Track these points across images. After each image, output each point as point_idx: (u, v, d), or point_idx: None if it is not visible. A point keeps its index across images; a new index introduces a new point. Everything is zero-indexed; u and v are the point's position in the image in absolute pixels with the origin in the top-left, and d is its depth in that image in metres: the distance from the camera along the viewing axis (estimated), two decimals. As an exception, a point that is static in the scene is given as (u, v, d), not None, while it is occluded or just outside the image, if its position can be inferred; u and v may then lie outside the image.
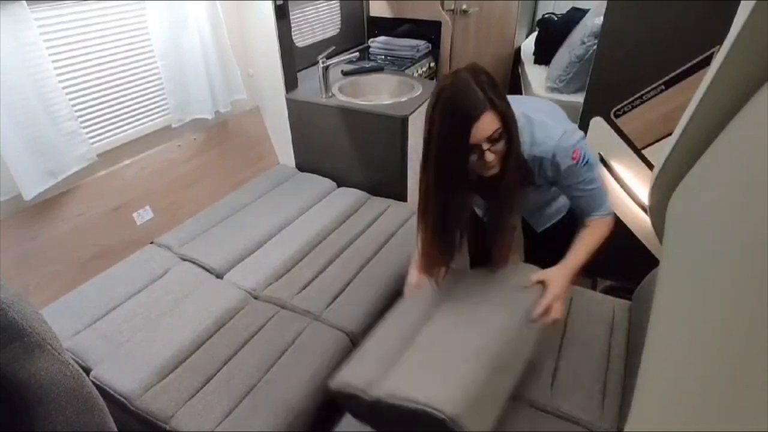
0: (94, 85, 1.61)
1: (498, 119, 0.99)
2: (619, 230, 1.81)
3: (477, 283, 1.25)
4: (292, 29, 2.12)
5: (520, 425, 1.15)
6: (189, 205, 1.94)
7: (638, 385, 0.50)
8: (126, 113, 1.73)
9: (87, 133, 1.58)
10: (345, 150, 2.14)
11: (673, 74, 1.64)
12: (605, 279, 2.03)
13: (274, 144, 2.35)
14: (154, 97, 1.82)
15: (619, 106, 1.77)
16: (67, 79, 1.52)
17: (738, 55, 0.38)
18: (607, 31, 1.69)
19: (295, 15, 2.21)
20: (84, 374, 0.71)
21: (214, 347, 1.36)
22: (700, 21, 1.52)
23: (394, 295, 1.58)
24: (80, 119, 1.56)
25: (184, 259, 1.69)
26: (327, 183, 2.17)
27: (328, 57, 2.07)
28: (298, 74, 2.22)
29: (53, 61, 1.43)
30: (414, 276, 1.29)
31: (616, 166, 1.83)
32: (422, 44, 2.66)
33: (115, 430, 0.78)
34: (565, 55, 2.75)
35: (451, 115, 1.00)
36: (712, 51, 1.55)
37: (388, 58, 2.69)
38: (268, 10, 1.95)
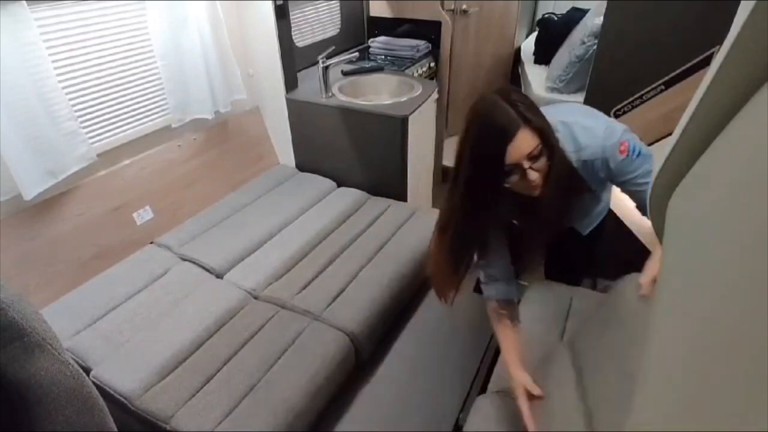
0: (94, 85, 1.60)
1: (535, 135, 0.94)
2: (620, 230, 1.81)
3: (611, 309, 1.04)
4: (292, 29, 2.12)
5: (520, 425, 1.14)
6: (189, 205, 1.94)
7: (638, 384, 0.50)
8: (126, 113, 1.73)
9: (87, 133, 1.58)
10: (345, 150, 2.14)
11: (673, 74, 1.64)
12: (605, 279, 2.03)
13: (274, 144, 2.35)
14: (154, 97, 1.82)
15: (619, 106, 1.77)
16: (67, 79, 1.52)
17: (738, 55, 0.38)
18: (607, 31, 1.70)
19: (295, 15, 2.21)
20: (84, 374, 0.71)
21: (214, 347, 1.36)
22: (700, 21, 1.52)
23: (394, 295, 1.58)
24: (80, 119, 1.56)
25: (184, 259, 1.69)
26: (327, 183, 2.17)
27: (328, 57, 2.07)
28: (298, 74, 2.22)
29: (53, 61, 1.43)
30: (523, 377, 1.05)
31: (616, 166, 1.83)
32: (422, 44, 2.66)
33: (115, 430, 0.78)
34: (565, 55, 2.75)
35: (483, 137, 0.95)
36: (712, 51, 1.55)
37: (388, 58, 2.69)
38: (268, 10, 1.95)
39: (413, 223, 1.91)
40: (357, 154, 2.13)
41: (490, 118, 0.95)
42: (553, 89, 2.81)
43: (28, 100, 1.36)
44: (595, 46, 2.08)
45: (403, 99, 2.08)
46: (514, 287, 1.23)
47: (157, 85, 1.81)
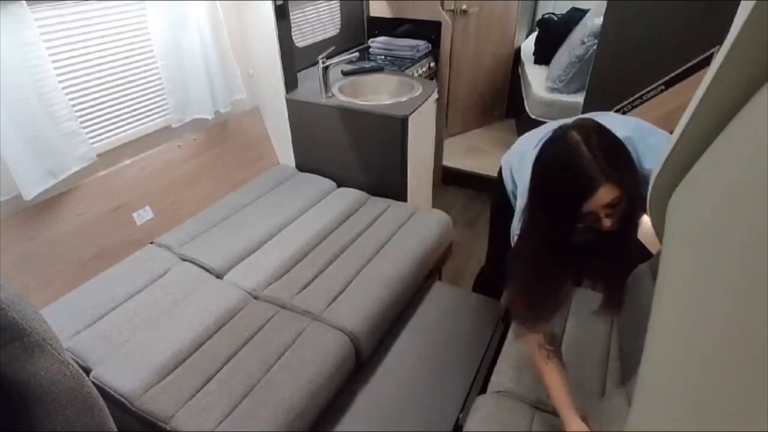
0: (94, 85, 1.60)
1: (616, 188, 0.88)
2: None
3: None
4: (292, 29, 2.12)
5: (520, 425, 1.15)
6: (189, 205, 1.94)
7: (638, 384, 0.50)
8: (126, 113, 1.73)
9: (87, 133, 1.58)
10: (345, 150, 2.14)
11: (673, 74, 1.64)
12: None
13: (274, 144, 2.35)
14: (154, 97, 1.82)
15: (619, 106, 1.77)
16: (67, 79, 1.52)
17: (738, 55, 0.38)
18: (607, 31, 1.70)
19: (295, 15, 2.21)
20: (84, 374, 0.71)
21: (214, 347, 1.36)
22: (700, 21, 1.52)
23: (394, 295, 1.58)
24: (80, 119, 1.56)
25: (184, 259, 1.69)
26: (327, 183, 2.17)
27: (328, 57, 2.07)
28: (298, 74, 2.22)
29: (53, 61, 1.43)
30: (581, 427, 1.00)
31: (616, 166, 1.82)
32: (422, 44, 2.66)
33: (115, 430, 0.78)
34: (565, 55, 2.75)
35: (560, 189, 0.91)
36: (712, 51, 1.55)
37: (388, 58, 2.69)
38: (268, 10, 1.94)
39: (413, 223, 1.91)
40: (357, 154, 2.13)
41: (572, 170, 0.88)
42: (553, 89, 2.81)
43: (28, 100, 1.36)
44: (595, 46, 2.08)
45: (403, 99, 2.08)
46: (557, 318, 1.15)
47: (157, 85, 1.81)
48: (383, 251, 1.75)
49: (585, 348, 1.32)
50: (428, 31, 2.69)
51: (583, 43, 2.55)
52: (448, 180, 3.14)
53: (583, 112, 1.85)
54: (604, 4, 1.69)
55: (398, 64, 2.59)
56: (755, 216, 0.30)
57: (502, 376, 1.29)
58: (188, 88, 1.86)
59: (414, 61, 2.61)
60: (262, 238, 1.79)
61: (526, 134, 1.38)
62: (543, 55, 3.28)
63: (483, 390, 1.32)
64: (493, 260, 1.74)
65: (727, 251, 0.34)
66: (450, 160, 3.13)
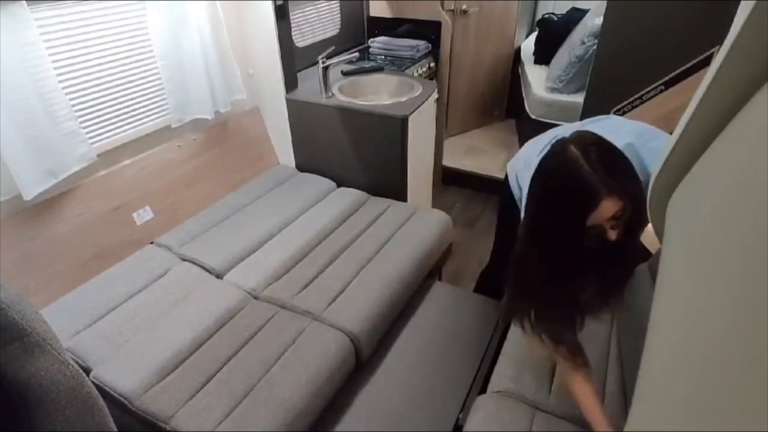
0: (94, 85, 1.60)
1: (618, 201, 0.87)
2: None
3: None
4: (292, 29, 2.12)
5: (520, 425, 1.15)
6: (189, 205, 1.94)
7: (638, 384, 0.50)
8: (126, 113, 1.73)
9: (87, 133, 1.58)
10: (345, 150, 2.14)
11: (673, 74, 1.64)
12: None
13: (274, 144, 2.35)
14: (154, 97, 1.82)
15: (619, 106, 1.77)
16: (67, 79, 1.52)
17: (738, 55, 0.38)
18: (607, 31, 1.70)
19: (295, 15, 2.21)
20: (84, 374, 0.71)
21: (214, 347, 1.36)
22: (700, 21, 1.52)
23: (394, 295, 1.58)
24: (80, 119, 1.56)
25: (184, 259, 1.69)
26: (327, 183, 2.17)
27: (328, 57, 2.07)
28: (298, 74, 2.22)
29: (53, 61, 1.43)
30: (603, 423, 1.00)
31: (616, 166, 1.83)
32: (422, 44, 2.66)
33: (115, 430, 0.78)
34: (565, 55, 2.75)
35: (562, 206, 0.91)
36: (712, 51, 1.55)
37: (388, 58, 2.69)
38: (268, 10, 1.94)
39: (413, 223, 1.91)
40: (357, 154, 2.13)
41: (570, 185, 0.88)
42: (553, 89, 2.81)
43: (28, 100, 1.36)
44: (595, 46, 2.08)
45: (403, 99, 2.08)
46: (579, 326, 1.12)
47: (157, 85, 1.81)
48: (383, 251, 1.75)
49: (585, 348, 1.32)
50: (428, 31, 2.69)
51: (583, 43, 2.55)
52: (447, 180, 3.14)
53: (583, 112, 1.85)
54: (604, 4, 1.69)
55: (398, 64, 2.59)
56: (755, 216, 0.30)
57: (502, 376, 1.29)
58: (188, 88, 1.86)
59: (414, 61, 2.61)
60: (262, 238, 1.79)
61: (531, 140, 1.39)
62: (543, 55, 3.28)
63: (483, 390, 1.32)
64: (499, 263, 1.74)
65: (727, 251, 0.34)
66: (450, 160, 3.13)
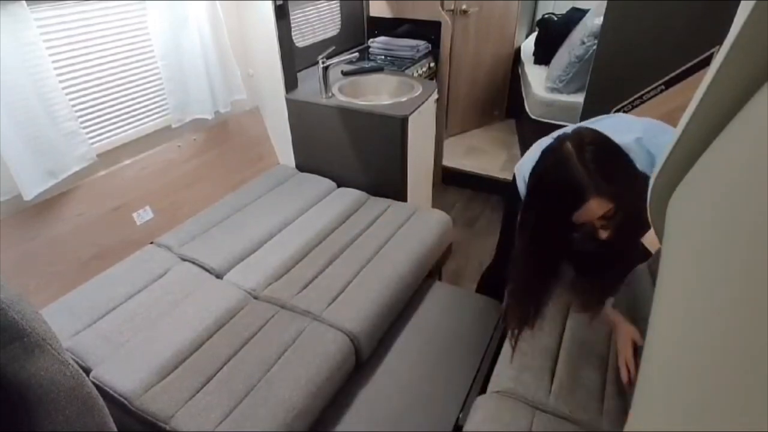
0: (94, 85, 1.60)
1: (607, 201, 0.88)
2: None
3: None
4: (292, 29, 2.12)
5: (520, 425, 1.15)
6: (189, 205, 1.94)
7: (638, 384, 0.50)
8: (126, 113, 1.73)
9: (87, 133, 1.58)
10: (345, 150, 2.14)
11: (673, 74, 1.64)
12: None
13: (274, 144, 2.35)
14: (154, 97, 1.82)
15: (619, 106, 1.77)
16: (67, 79, 1.52)
17: (738, 55, 0.38)
18: (607, 31, 1.70)
19: (295, 15, 2.21)
20: (84, 374, 0.71)
21: (214, 347, 1.36)
22: (700, 21, 1.52)
23: (394, 295, 1.58)
24: (80, 119, 1.56)
25: (184, 259, 1.69)
26: (327, 183, 2.17)
27: (328, 57, 2.07)
28: (298, 74, 2.22)
29: (53, 61, 1.43)
30: (630, 329, 1.12)
31: (616, 166, 1.83)
32: (422, 44, 2.66)
33: (115, 430, 0.78)
34: (565, 55, 2.75)
35: (552, 199, 0.92)
36: (712, 51, 1.55)
37: (388, 58, 2.69)
38: (268, 10, 1.95)
39: (413, 223, 1.91)
40: (357, 154, 2.13)
41: (563, 181, 0.89)
42: (553, 89, 2.81)
43: (28, 100, 1.36)
44: (595, 46, 2.08)
45: (403, 99, 2.08)
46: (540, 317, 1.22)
47: (157, 85, 1.81)
48: (383, 251, 1.75)
49: (585, 348, 1.32)
50: (428, 31, 2.69)
51: (583, 43, 2.54)
52: (447, 180, 3.14)
53: (583, 112, 1.85)
54: (604, 4, 1.68)
55: (398, 64, 2.59)
56: (755, 216, 0.30)
57: (502, 376, 1.29)
58: (188, 88, 1.86)
59: (414, 61, 2.61)
60: (262, 238, 1.79)
61: (539, 141, 1.39)
62: (543, 55, 3.28)
63: (483, 390, 1.32)
64: (502, 264, 1.74)
65: (727, 251, 0.34)
66: (450, 160, 3.14)
